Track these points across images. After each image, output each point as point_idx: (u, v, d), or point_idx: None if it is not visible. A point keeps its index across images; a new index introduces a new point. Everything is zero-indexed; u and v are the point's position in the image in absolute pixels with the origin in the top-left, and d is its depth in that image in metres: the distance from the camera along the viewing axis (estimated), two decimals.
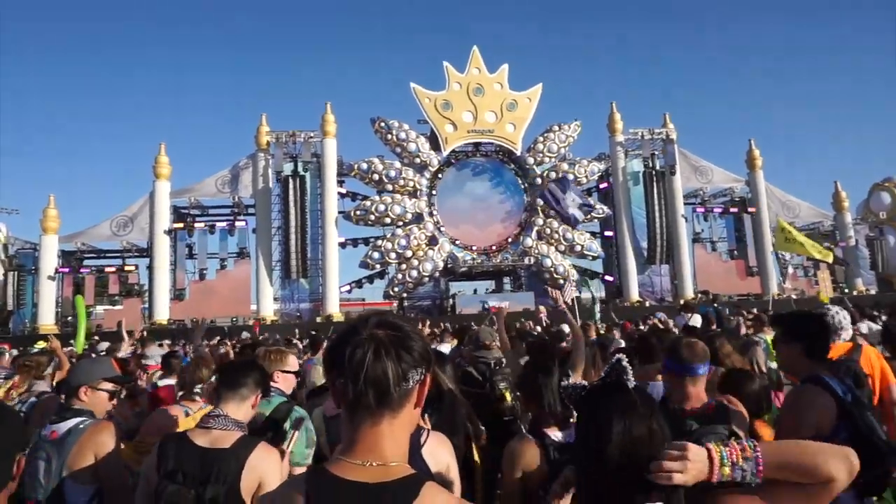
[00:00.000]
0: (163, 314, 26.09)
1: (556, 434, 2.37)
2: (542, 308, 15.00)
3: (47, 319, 25.35)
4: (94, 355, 7.58)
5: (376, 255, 26.94)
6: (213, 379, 3.69)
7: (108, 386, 2.58)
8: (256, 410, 2.44)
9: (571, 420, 2.36)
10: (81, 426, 2.38)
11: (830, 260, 15.24)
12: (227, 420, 2.18)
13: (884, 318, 9.21)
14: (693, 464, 1.14)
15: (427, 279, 27.67)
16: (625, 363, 1.39)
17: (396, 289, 27.34)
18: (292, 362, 3.13)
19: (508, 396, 4.05)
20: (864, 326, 7.72)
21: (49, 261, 26.01)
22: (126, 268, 27.83)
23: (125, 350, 6.40)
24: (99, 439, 2.35)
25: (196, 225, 28.06)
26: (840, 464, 1.15)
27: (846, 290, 29.99)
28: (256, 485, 2.04)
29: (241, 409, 2.28)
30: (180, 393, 3.37)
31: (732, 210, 31.64)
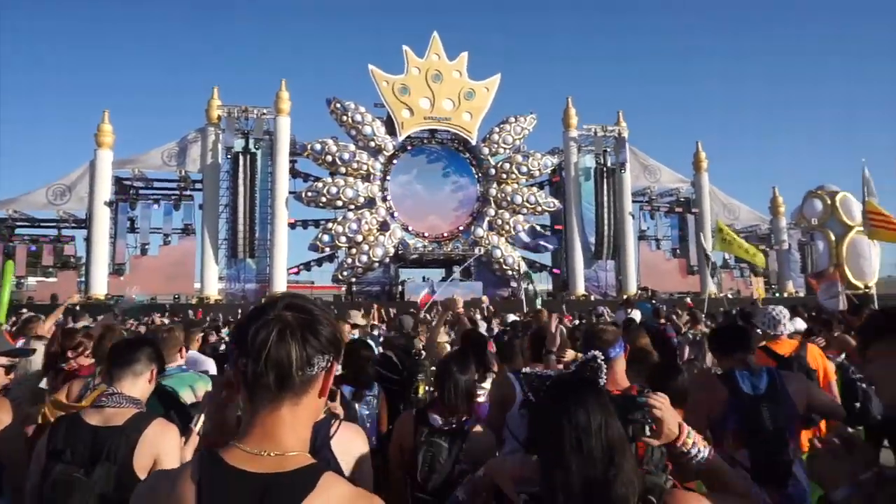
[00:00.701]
0: (100, 289, 25.12)
1: (435, 418, 2.54)
2: (484, 298, 15.17)
3: None
4: (12, 329, 7.25)
5: (326, 237, 26.65)
6: None
7: (3, 360, 2.51)
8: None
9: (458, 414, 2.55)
10: None
11: (761, 263, 15.98)
12: (120, 397, 2.13)
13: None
14: (669, 415, 1.40)
15: (377, 265, 27.55)
16: (600, 361, 1.47)
17: (345, 273, 27.13)
18: (178, 337, 3.33)
19: (422, 388, 4.11)
20: (800, 323, 8.21)
21: None
22: (62, 238, 26.63)
23: (49, 323, 6.06)
24: None
25: (139, 198, 27.08)
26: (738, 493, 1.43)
27: (777, 293, 31.48)
28: (152, 462, 1.99)
29: (137, 385, 2.23)
30: (98, 368, 3.29)
31: (677, 210, 32.70)
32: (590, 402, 1.33)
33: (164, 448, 2.03)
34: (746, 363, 2.83)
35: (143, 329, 10.47)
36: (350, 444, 1.96)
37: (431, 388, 3.92)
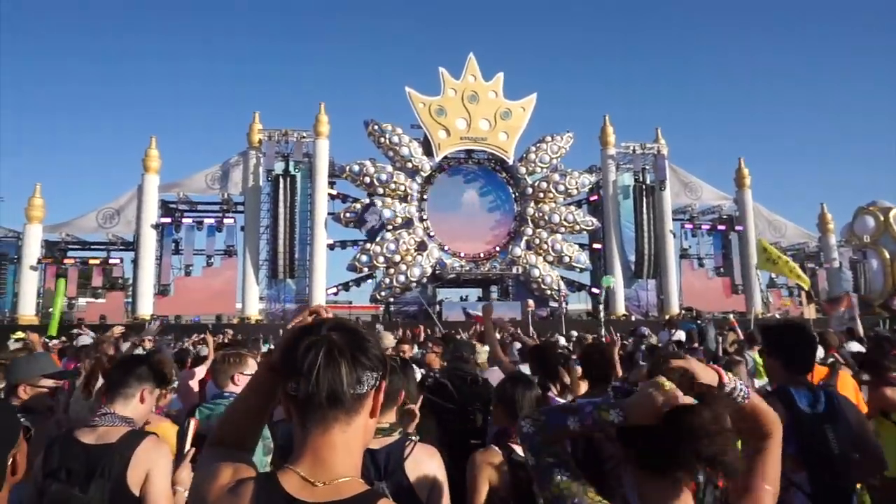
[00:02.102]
0: (146, 309, 25.81)
1: (517, 450, 2.29)
2: (530, 302, 14.99)
3: (28, 310, 25.01)
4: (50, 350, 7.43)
5: (364, 258, 26.86)
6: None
7: (49, 382, 2.55)
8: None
9: None
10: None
11: (807, 287, 15.39)
12: (112, 416, 2.16)
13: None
14: (698, 367, 1.39)
15: (414, 284, 27.62)
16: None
17: (383, 293, 27.26)
18: (252, 365, 3.10)
19: (479, 418, 3.95)
20: (854, 346, 7.79)
21: (32, 250, 25.69)
22: (111, 261, 27.54)
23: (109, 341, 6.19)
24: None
25: (184, 220, 27.84)
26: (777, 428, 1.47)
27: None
28: (143, 478, 2.02)
29: (129, 405, 2.24)
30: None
31: (720, 227, 31.88)
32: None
33: (156, 464, 2.05)
34: (803, 384, 2.59)
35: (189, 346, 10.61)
36: (425, 465, 1.93)
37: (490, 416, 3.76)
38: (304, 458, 1.04)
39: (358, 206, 26.84)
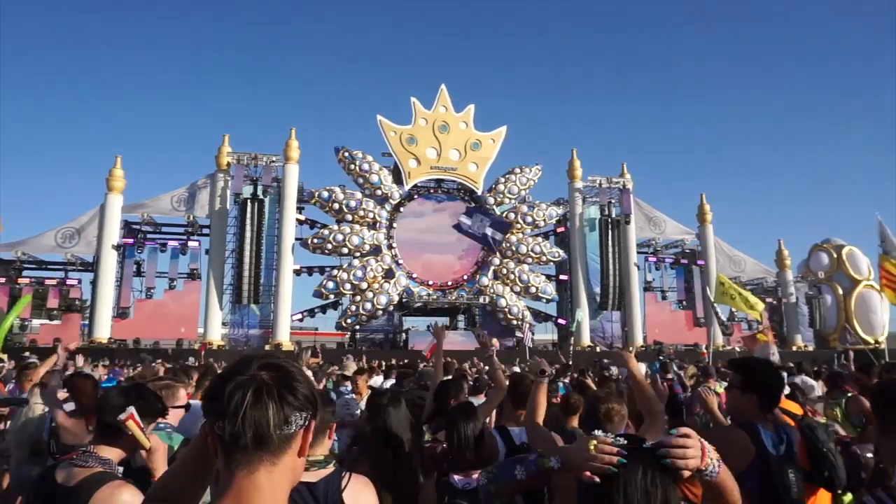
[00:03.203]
0: (104, 332, 25.08)
1: (455, 480, 2.45)
2: (495, 341, 15.01)
3: None
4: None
5: (331, 284, 26.68)
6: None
7: None
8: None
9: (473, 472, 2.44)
10: None
11: (758, 317, 15.76)
12: (88, 456, 2.09)
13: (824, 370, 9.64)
14: (696, 450, 1.33)
15: (381, 312, 27.47)
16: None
17: (349, 320, 27.03)
18: (182, 396, 3.08)
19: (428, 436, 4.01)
20: (799, 380, 8.04)
21: None
22: (68, 281, 26.74)
23: (43, 370, 5.93)
24: None
25: (147, 242, 27.32)
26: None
27: (783, 347, 31.07)
28: None
29: (115, 448, 2.18)
30: None
31: (683, 261, 32.64)
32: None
33: None
34: (769, 421, 2.57)
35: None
36: (363, 496, 1.97)
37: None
38: (227, 497, 1.00)
39: (326, 230, 26.71)
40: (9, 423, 3.52)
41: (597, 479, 1.27)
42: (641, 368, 3.10)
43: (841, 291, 32.85)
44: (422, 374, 5.57)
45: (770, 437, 2.46)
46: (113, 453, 2.16)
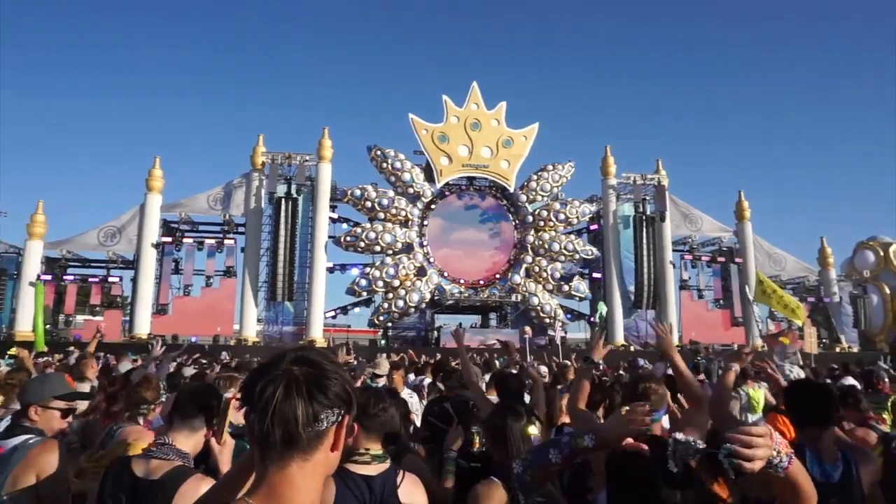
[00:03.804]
0: (143, 328, 25.75)
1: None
2: (527, 330, 14.84)
3: (25, 326, 24.93)
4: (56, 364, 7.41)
5: (364, 282, 26.88)
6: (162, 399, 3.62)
7: (60, 404, 2.52)
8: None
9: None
10: (29, 444, 2.32)
11: (801, 323, 15.23)
12: (169, 449, 2.11)
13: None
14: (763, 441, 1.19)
15: (413, 310, 27.57)
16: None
17: (381, 318, 27.21)
18: None
19: (478, 441, 3.98)
20: (850, 381, 7.74)
21: (32, 266, 25.73)
22: (110, 279, 27.56)
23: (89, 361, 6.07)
24: (43, 459, 2.28)
25: (185, 240, 27.93)
26: None
27: (826, 347, 30.14)
28: None
29: (191, 439, 2.20)
30: (126, 414, 3.28)
31: (720, 259, 31.91)
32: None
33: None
34: (819, 442, 2.35)
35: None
36: (415, 494, 2.05)
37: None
38: (260, 492, 1.02)
39: (359, 228, 26.98)
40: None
41: (637, 444, 1.27)
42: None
43: (888, 291, 31.71)
44: (460, 373, 5.55)
45: (818, 464, 2.30)
46: (188, 446, 2.19)
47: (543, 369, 8.44)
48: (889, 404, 5.29)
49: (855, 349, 30.31)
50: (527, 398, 4.39)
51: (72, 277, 27.29)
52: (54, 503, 2.30)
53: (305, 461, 1.02)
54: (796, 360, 10.25)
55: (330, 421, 1.03)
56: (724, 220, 32.42)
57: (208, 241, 27.92)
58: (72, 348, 16.62)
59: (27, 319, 25.14)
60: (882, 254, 32.52)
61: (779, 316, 31.33)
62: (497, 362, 10.37)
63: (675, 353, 2.89)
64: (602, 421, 3.59)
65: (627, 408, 1.32)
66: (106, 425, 3.34)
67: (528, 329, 15.69)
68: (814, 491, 1.36)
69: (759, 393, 7.56)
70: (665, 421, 2.54)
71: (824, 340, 31.51)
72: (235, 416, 2.49)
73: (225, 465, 2.15)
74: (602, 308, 24.16)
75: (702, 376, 8.62)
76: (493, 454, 2.63)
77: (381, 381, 6.40)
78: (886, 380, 6.66)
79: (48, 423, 2.49)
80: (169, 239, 27.53)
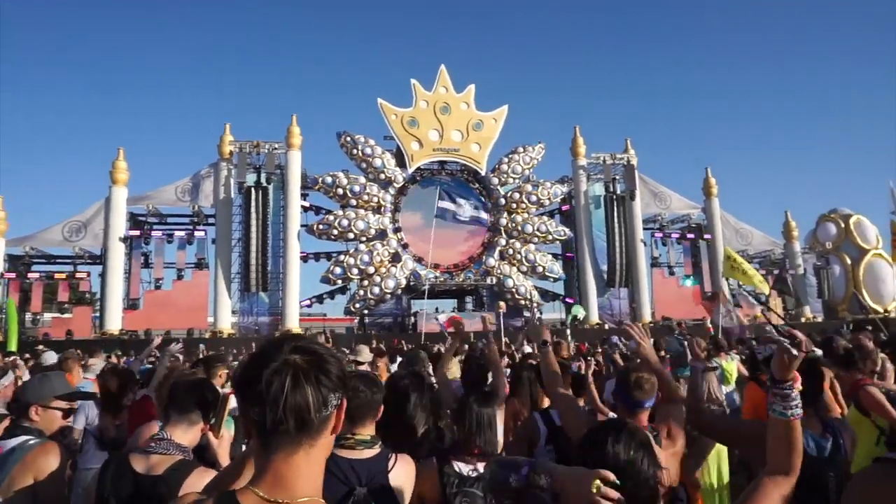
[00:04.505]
0: (115, 324, 25.25)
1: (460, 465, 2.29)
2: (501, 305, 15.02)
3: None
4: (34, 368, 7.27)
5: (338, 270, 26.73)
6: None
7: (61, 404, 2.50)
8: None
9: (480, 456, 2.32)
10: (28, 445, 2.30)
11: (767, 291, 16.00)
12: (168, 444, 2.11)
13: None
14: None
15: (389, 296, 27.54)
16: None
17: (358, 305, 27.13)
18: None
19: (421, 427, 3.95)
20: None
21: None
22: (77, 275, 26.91)
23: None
24: (41, 461, 2.26)
25: (153, 233, 27.38)
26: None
27: (792, 317, 31.06)
28: None
29: (189, 433, 2.21)
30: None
31: (689, 236, 32.52)
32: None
33: None
34: (811, 419, 2.38)
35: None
36: (404, 478, 2.03)
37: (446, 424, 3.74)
38: (264, 479, 1.04)
39: (331, 216, 26.77)
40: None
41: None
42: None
43: (849, 261, 32.73)
44: (410, 358, 5.53)
45: (811, 437, 2.33)
46: (186, 440, 2.19)
47: (527, 348, 8.58)
48: None
49: (819, 319, 31.30)
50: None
51: (37, 275, 26.54)
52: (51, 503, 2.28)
53: (312, 447, 1.05)
54: (733, 319, 10.67)
55: (333, 404, 1.07)
56: (693, 198, 33.00)
57: (178, 234, 27.37)
58: (40, 347, 16.23)
59: None
60: (843, 225, 33.50)
61: (747, 290, 32.20)
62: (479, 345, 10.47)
63: (653, 357, 2.85)
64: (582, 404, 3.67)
65: (598, 483, 1.23)
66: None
67: (501, 304, 15.85)
68: (800, 448, 1.53)
69: (731, 365, 7.82)
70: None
71: (790, 311, 32.47)
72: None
73: (224, 458, 2.17)
74: (579, 311, 24.40)
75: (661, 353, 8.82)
76: (457, 435, 2.62)
77: (363, 370, 6.44)
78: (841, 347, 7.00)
79: (49, 424, 2.47)
80: (137, 232, 26.95)
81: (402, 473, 2.01)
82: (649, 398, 2.54)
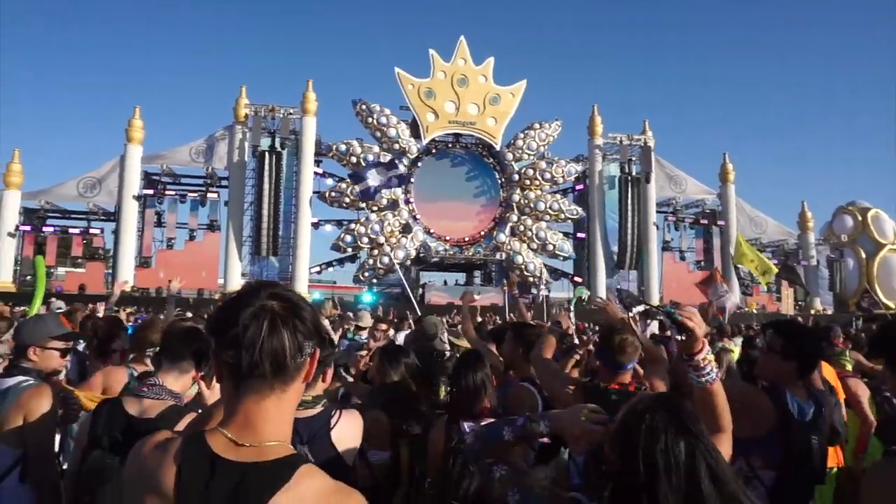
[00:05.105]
0: (127, 280, 25.55)
1: (465, 425, 2.45)
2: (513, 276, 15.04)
3: (5, 277, 24.68)
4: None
5: (349, 238, 26.81)
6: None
7: (59, 344, 2.55)
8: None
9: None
10: (21, 386, 2.35)
11: (765, 285, 16.01)
12: (161, 389, 2.14)
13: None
14: (699, 326, 1.59)
15: (398, 266, 27.63)
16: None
17: (366, 274, 27.26)
18: None
19: (442, 391, 4.07)
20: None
21: (10, 217, 25.27)
22: (91, 230, 27.18)
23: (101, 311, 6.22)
24: (33, 402, 2.30)
25: (167, 193, 27.51)
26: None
27: (802, 308, 30.86)
28: None
29: (180, 380, 2.24)
30: (131, 355, 3.36)
31: (702, 222, 32.21)
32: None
33: None
34: (804, 383, 2.54)
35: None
36: (346, 433, 2.03)
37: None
38: (234, 421, 1.05)
39: (344, 184, 26.71)
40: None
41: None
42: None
43: (864, 255, 32.33)
44: (422, 325, 5.58)
45: (797, 403, 2.43)
46: (178, 386, 2.23)
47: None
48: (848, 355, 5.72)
49: (829, 311, 31.06)
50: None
51: (52, 229, 26.82)
52: (39, 447, 2.31)
53: (284, 392, 1.06)
54: (729, 299, 10.69)
55: (308, 352, 1.08)
56: (709, 183, 32.62)
57: (191, 195, 27.51)
58: (53, 299, 16.49)
59: (7, 271, 24.87)
60: (860, 218, 32.99)
61: (757, 278, 31.98)
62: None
63: (622, 318, 3.07)
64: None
65: (585, 412, 1.43)
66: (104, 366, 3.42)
67: (513, 276, 15.74)
68: (726, 411, 1.67)
69: (735, 350, 7.82)
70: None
71: (801, 302, 32.25)
72: None
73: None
74: (583, 292, 24.33)
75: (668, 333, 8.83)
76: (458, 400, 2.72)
77: (364, 334, 6.52)
78: (841, 337, 7.10)
79: (47, 364, 2.52)
80: (151, 191, 27.09)
81: (346, 429, 2.03)
82: (631, 361, 2.63)
